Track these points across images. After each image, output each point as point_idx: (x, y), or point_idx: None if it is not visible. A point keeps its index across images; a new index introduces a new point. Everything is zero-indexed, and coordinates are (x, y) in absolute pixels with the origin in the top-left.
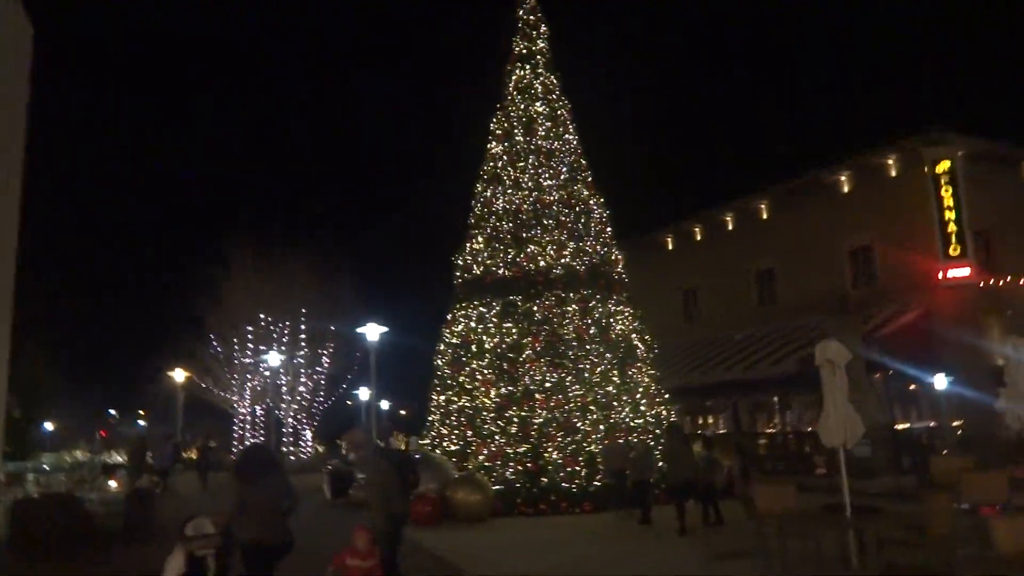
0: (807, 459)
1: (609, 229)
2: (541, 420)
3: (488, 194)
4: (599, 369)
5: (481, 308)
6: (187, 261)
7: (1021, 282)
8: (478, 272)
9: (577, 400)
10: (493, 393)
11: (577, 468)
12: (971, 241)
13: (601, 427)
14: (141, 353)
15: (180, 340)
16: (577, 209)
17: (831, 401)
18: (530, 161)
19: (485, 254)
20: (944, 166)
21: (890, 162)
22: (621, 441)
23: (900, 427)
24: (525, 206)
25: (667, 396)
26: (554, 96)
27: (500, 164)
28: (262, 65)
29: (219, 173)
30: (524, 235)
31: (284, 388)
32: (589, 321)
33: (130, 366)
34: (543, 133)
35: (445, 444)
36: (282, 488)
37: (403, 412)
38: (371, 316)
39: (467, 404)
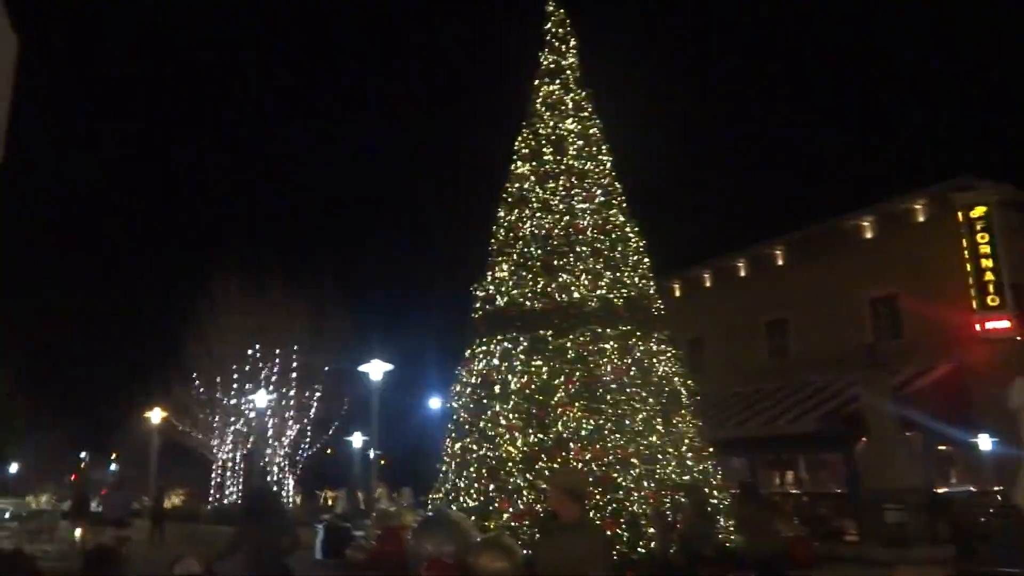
0: (827, 523)
1: (647, 260)
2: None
3: (513, 217)
4: (640, 416)
5: (506, 343)
6: (169, 292)
7: None
8: (502, 303)
9: (617, 451)
10: (520, 441)
11: (619, 531)
12: (1009, 292)
13: (645, 483)
14: (117, 391)
15: (159, 378)
16: (613, 236)
17: None
18: (560, 182)
19: (511, 283)
20: (979, 211)
21: (917, 208)
22: (667, 502)
23: (938, 491)
24: (556, 231)
25: (712, 450)
26: (586, 114)
27: (527, 185)
28: (254, 83)
29: (206, 200)
30: (555, 263)
31: (270, 432)
32: (629, 361)
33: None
34: (574, 152)
35: (462, 499)
36: (282, 527)
37: (383, 461)
38: (370, 354)
39: (489, 453)
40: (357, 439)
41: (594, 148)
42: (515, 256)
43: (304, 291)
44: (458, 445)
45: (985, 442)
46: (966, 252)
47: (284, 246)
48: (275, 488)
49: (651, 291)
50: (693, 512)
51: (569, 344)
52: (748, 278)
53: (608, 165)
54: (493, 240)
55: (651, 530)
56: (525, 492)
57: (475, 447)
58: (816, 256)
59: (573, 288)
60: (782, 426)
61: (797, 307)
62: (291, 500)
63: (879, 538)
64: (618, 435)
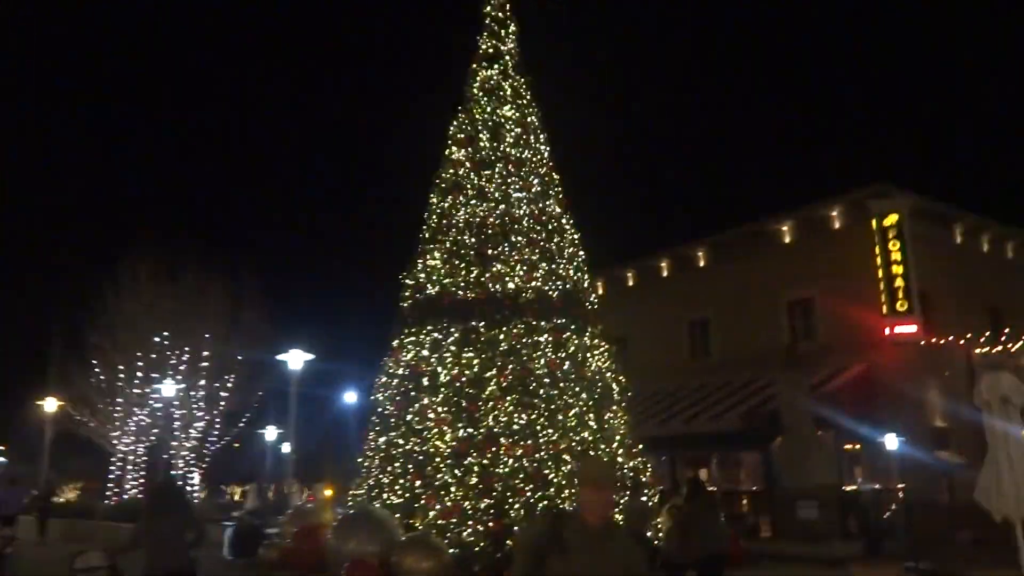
0: (744, 519)
1: (582, 253)
2: (507, 469)
3: (447, 204)
4: (573, 411)
5: (436, 334)
6: (68, 268)
7: (960, 342)
8: (433, 292)
9: (549, 447)
10: (449, 436)
11: None
12: (917, 298)
13: (576, 480)
14: (6, 378)
15: (56, 366)
16: (549, 227)
17: (1004, 455)
18: (497, 170)
19: (443, 272)
20: (892, 219)
21: (834, 214)
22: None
23: (848, 488)
24: (491, 219)
25: (641, 447)
26: (524, 101)
27: (462, 172)
28: (172, 59)
29: (113, 177)
30: (489, 252)
31: (177, 424)
32: (563, 355)
33: None
34: (511, 140)
35: (385, 496)
36: (187, 521)
37: (291, 453)
38: (288, 343)
39: (416, 448)
40: (271, 432)
41: (532, 137)
42: (448, 244)
43: (219, 277)
44: (382, 439)
45: (891, 441)
46: (878, 258)
47: (198, 230)
48: (180, 482)
49: (586, 284)
50: (695, 508)
51: (502, 336)
52: (671, 278)
53: (545, 154)
54: (424, 227)
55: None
56: (453, 489)
57: (401, 441)
58: (738, 257)
59: (508, 279)
60: (703, 424)
61: (718, 307)
62: (196, 495)
63: (792, 533)
64: (551, 430)
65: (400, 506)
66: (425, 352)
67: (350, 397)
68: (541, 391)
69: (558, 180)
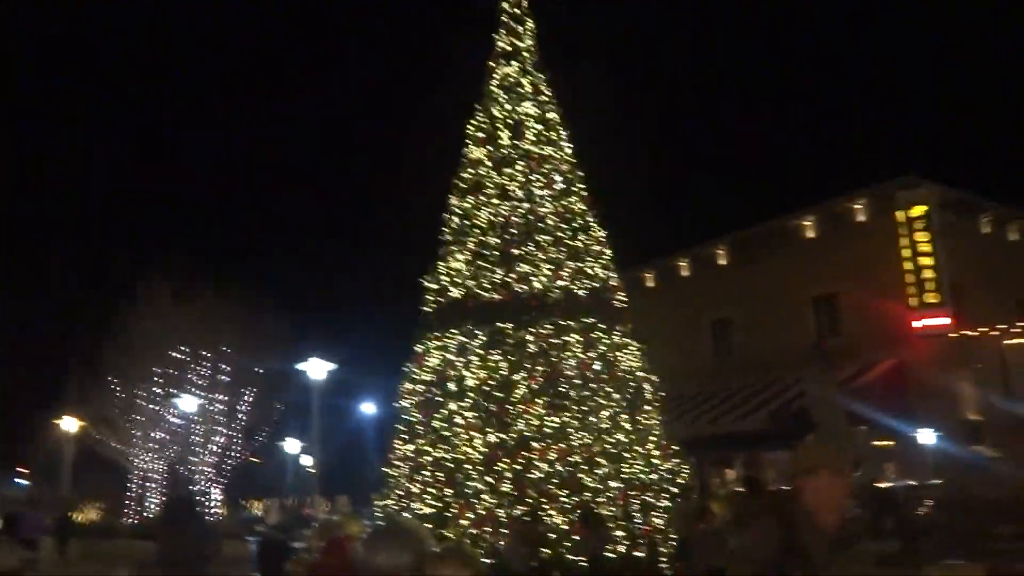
0: None
1: (608, 251)
2: (540, 475)
3: (468, 205)
4: (606, 413)
5: (462, 337)
6: (87, 294)
7: (992, 334)
8: (457, 295)
9: (583, 450)
10: (479, 441)
11: (587, 536)
12: (948, 290)
13: (612, 483)
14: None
15: (74, 385)
16: (574, 225)
17: None
18: (518, 168)
19: (467, 273)
20: (919, 211)
21: (858, 207)
22: (635, 503)
23: (880, 485)
24: (514, 218)
25: (676, 448)
26: (544, 97)
27: (482, 171)
28: (185, 75)
29: (130, 195)
30: (514, 252)
31: (197, 439)
32: (593, 355)
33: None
34: (532, 137)
35: (415, 506)
36: (202, 535)
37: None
38: (308, 353)
39: (445, 455)
40: (292, 445)
41: (553, 133)
42: (471, 245)
43: (236, 291)
44: (409, 447)
45: (926, 436)
46: (907, 250)
47: (215, 243)
48: (198, 497)
49: (613, 282)
50: (693, 520)
51: (530, 337)
52: (691, 278)
53: (568, 151)
54: (446, 229)
55: (619, 533)
56: (486, 496)
57: (429, 448)
58: (759, 256)
59: (534, 278)
60: (729, 424)
61: (740, 307)
62: (216, 510)
63: None
64: (584, 432)
65: (431, 516)
66: (451, 356)
67: (368, 408)
68: (572, 392)
69: (581, 177)
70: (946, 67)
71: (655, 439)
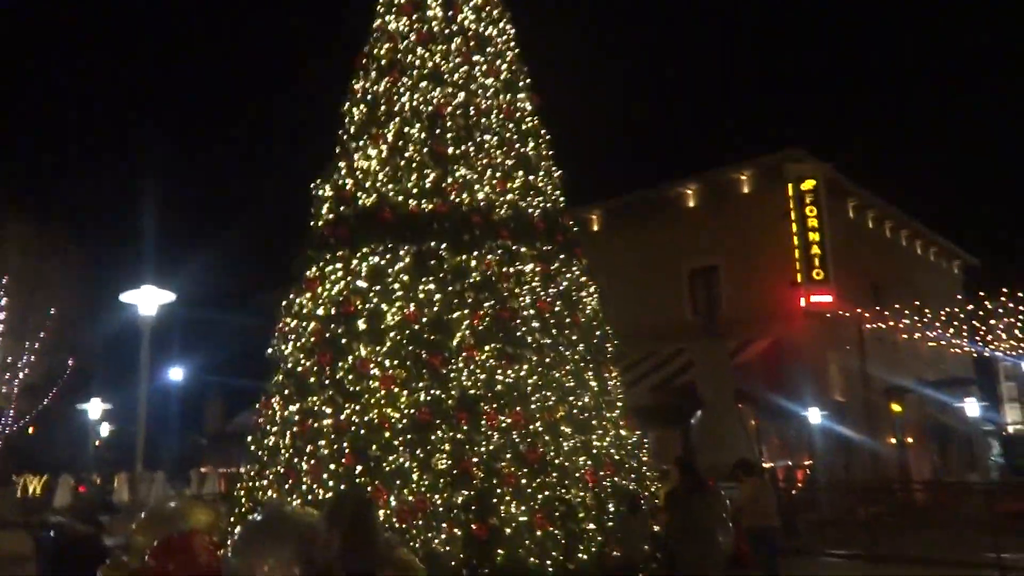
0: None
1: (557, 169)
2: (490, 447)
3: (382, 88)
4: (569, 367)
5: (375, 258)
6: None
7: (866, 315)
8: (368, 203)
9: (545, 415)
10: (403, 400)
11: (553, 531)
12: (833, 266)
13: (580, 460)
14: None
15: None
16: (523, 127)
17: None
18: (454, 45)
19: (382, 175)
20: (809, 184)
21: (743, 178)
22: (607, 486)
23: (767, 465)
24: (450, 109)
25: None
26: None
27: (404, 46)
28: None
29: None
30: (449, 151)
31: None
32: (554, 291)
33: None
34: (471, 11)
35: (304, 489)
36: None
37: (96, 442)
38: (136, 281)
39: (352, 418)
40: (95, 407)
41: (495, 10)
42: (389, 138)
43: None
44: (293, 407)
45: (803, 415)
46: (794, 224)
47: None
48: None
49: (562, 207)
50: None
51: (474, 263)
52: None
53: (512, 35)
54: (347, 120)
55: (591, 526)
56: (415, 476)
57: (328, 410)
58: (635, 224)
59: (476, 187)
60: None
61: (614, 276)
62: None
63: None
64: (546, 392)
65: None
66: (361, 284)
67: (175, 374)
68: (529, 339)
69: (528, 71)
70: (825, 47)
71: (622, 404)
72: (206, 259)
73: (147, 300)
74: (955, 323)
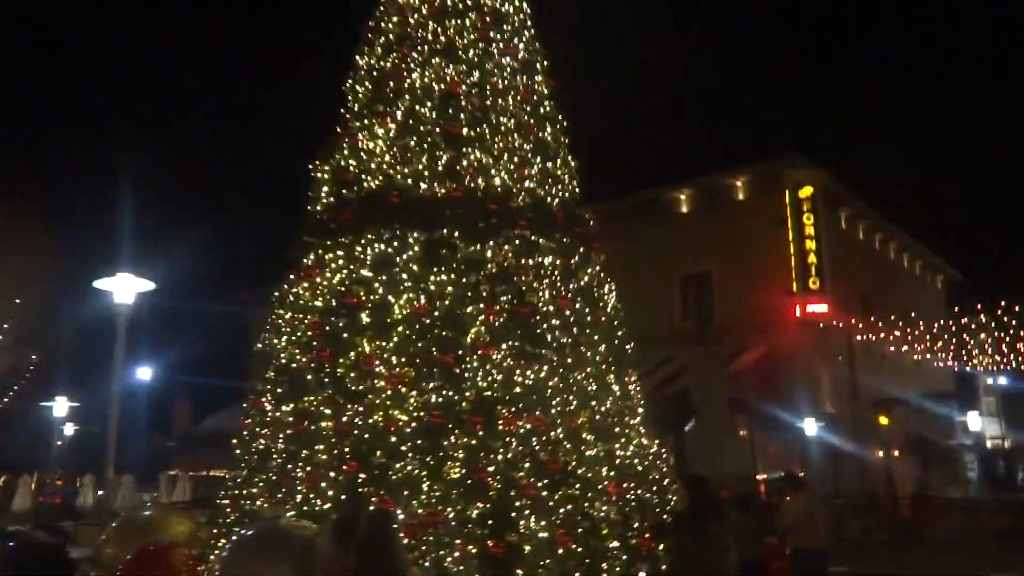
0: None
1: (573, 161)
2: (508, 455)
3: (390, 64)
4: (590, 369)
5: (381, 246)
6: None
7: (860, 326)
8: (373, 185)
9: (566, 421)
10: (412, 401)
11: (576, 549)
12: (828, 276)
13: (603, 471)
14: None
15: None
16: (540, 111)
17: None
18: (469, 20)
19: (389, 156)
20: (807, 192)
21: (739, 185)
22: (632, 500)
23: (761, 477)
24: (464, 88)
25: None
26: None
27: (414, 19)
28: None
29: None
30: (464, 133)
31: None
32: (574, 287)
33: None
34: None
35: (300, 499)
36: None
37: (59, 442)
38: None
39: (355, 421)
40: (61, 406)
41: None
42: (398, 116)
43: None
44: (287, 408)
45: (797, 427)
46: (791, 232)
47: None
48: None
49: (579, 199)
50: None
51: (489, 252)
52: None
53: (528, 14)
54: (350, 99)
55: (614, 544)
56: (425, 486)
57: (326, 410)
58: (627, 228)
59: (492, 171)
60: None
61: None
62: None
63: None
64: (567, 395)
65: (330, 515)
66: (365, 273)
67: (144, 373)
68: (549, 338)
69: (544, 53)
70: (823, 57)
71: (641, 412)
72: (180, 248)
73: (123, 288)
74: (936, 336)
